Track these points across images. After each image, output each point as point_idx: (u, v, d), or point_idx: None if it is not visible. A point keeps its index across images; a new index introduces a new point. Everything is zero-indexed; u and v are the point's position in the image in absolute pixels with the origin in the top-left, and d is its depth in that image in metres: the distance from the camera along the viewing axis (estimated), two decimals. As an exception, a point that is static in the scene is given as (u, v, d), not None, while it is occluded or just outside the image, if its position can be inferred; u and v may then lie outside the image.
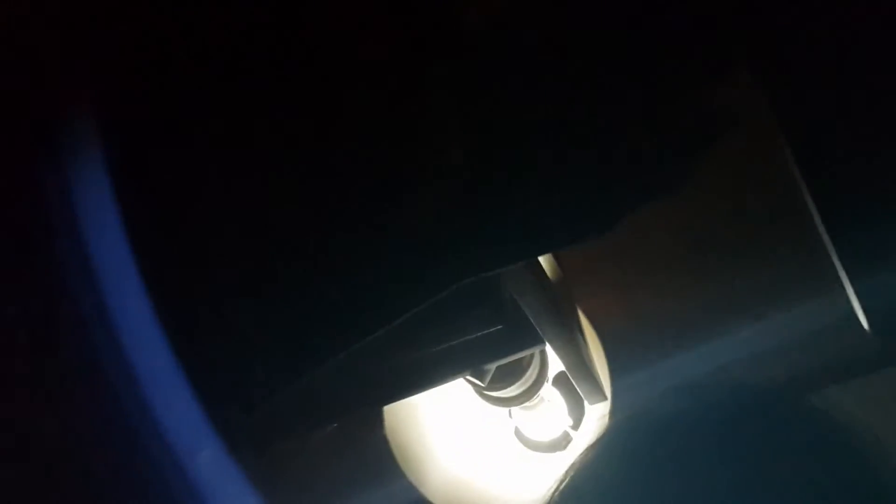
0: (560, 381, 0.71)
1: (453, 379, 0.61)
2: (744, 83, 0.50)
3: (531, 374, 0.68)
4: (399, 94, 0.50)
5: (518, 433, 0.75)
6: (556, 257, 0.63)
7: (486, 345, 0.59)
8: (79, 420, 0.40)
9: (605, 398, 0.64)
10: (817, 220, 0.46)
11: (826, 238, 0.46)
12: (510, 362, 0.64)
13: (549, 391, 0.72)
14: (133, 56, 0.46)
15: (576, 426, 0.71)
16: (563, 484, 0.50)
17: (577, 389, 0.65)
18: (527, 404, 0.70)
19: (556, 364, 0.70)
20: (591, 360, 0.63)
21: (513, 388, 0.68)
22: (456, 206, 0.50)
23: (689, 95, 0.51)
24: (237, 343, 0.50)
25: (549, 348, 0.64)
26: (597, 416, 0.67)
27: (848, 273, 0.47)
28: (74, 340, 0.40)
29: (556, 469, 0.66)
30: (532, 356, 0.68)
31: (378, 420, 0.66)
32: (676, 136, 0.51)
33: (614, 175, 0.51)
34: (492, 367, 0.64)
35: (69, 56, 0.44)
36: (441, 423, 0.72)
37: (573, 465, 0.50)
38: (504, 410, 0.73)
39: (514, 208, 0.50)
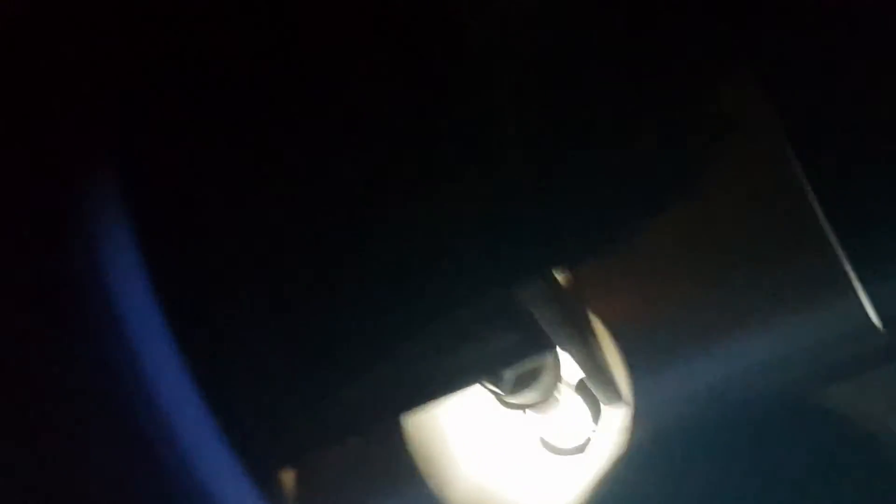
0: (581, 386, 0.71)
1: (468, 387, 0.61)
2: (749, 86, 0.50)
3: (549, 379, 0.68)
4: (416, 107, 0.50)
5: (538, 437, 0.75)
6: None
7: (501, 352, 0.59)
8: (97, 443, 0.41)
9: (621, 400, 0.64)
10: (824, 221, 0.46)
11: (834, 239, 0.46)
12: (527, 368, 0.65)
13: (568, 394, 0.72)
14: (139, 61, 0.46)
15: (595, 429, 0.71)
16: (589, 499, 0.50)
17: (594, 393, 0.66)
18: (545, 408, 0.71)
19: (576, 368, 0.70)
20: (606, 364, 0.63)
21: (530, 392, 0.68)
22: (471, 222, 0.50)
23: (694, 100, 0.51)
24: (261, 362, 0.50)
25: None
26: (616, 420, 0.67)
27: (858, 273, 0.47)
28: (91, 365, 0.41)
29: (576, 474, 0.66)
30: (549, 361, 0.68)
31: (398, 430, 0.66)
32: (685, 143, 0.51)
33: (627, 187, 0.51)
34: (509, 373, 0.64)
35: (75, 63, 0.44)
36: (462, 429, 0.72)
37: (599, 478, 0.50)
38: (524, 416, 0.73)
39: (530, 225, 0.50)
